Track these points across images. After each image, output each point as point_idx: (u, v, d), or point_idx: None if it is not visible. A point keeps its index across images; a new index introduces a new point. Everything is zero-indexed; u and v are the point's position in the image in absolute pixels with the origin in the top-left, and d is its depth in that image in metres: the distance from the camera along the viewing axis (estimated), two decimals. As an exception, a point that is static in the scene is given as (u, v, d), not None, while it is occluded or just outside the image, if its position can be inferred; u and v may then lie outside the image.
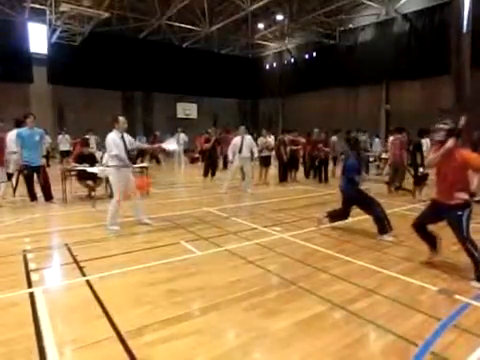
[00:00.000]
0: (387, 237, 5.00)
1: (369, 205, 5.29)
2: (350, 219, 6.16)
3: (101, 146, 10.50)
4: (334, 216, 5.70)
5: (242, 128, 9.19)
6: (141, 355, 2.33)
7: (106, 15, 16.20)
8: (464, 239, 3.53)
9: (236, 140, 9.12)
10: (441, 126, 3.68)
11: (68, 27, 17.93)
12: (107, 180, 8.06)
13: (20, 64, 18.79)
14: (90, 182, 8.01)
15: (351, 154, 5.57)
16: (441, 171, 3.69)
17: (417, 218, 4.01)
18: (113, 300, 3.10)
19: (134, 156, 9.42)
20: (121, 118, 5.45)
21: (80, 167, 7.82)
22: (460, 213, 3.54)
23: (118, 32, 21.12)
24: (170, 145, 6.03)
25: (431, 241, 4.00)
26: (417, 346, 2.44)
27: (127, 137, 5.55)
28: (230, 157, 9.24)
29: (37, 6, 17.26)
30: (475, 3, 14.22)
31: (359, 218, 6.27)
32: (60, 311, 2.94)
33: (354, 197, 5.41)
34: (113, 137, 5.37)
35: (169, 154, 19.67)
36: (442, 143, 3.63)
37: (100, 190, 8.42)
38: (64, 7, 14.73)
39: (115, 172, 5.41)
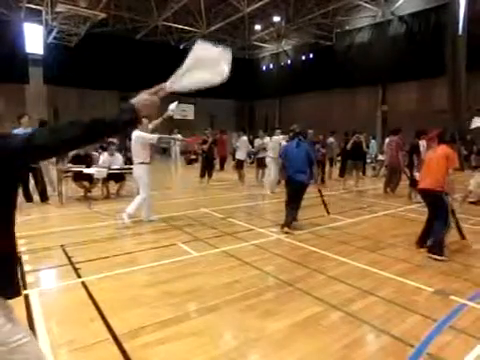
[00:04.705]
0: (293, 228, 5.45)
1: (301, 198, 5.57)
2: (348, 220, 6.19)
3: (99, 147, 10.44)
4: (292, 220, 5.53)
5: (278, 131, 9.93)
6: (137, 357, 2.32)
7: (102, 16, 16.17)
8: None
9: (274, 143, 9.50)
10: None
11: (64, 27, 17.87)
12: (104, 181, 8.07)
13: (16, 64, 18.71)
14: (86, 183, 7.99)
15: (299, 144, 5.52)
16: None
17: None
18: (109, 302, 3.08)
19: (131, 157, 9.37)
20: (144, 120, 5.78)
21: (76, 168, 7.78)
22: None
23: (114, 33, 21.07)
24: (172, 108, 6.07)
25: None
26: (413, 347, 2.45)
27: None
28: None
29: (33, 6, 17.20)
30: (470, 5, 14.35)
31: (355, 220, 6.30)
32: (55, 313, 2.92)
33: (305, 187, 5.53)
34: (144, 135, 5.64)
35: (165, 152, 19.62)
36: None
37: (96, 191, 8.39)
38: (60, 7, 14.69)
39: (146, 168, 5.72)
